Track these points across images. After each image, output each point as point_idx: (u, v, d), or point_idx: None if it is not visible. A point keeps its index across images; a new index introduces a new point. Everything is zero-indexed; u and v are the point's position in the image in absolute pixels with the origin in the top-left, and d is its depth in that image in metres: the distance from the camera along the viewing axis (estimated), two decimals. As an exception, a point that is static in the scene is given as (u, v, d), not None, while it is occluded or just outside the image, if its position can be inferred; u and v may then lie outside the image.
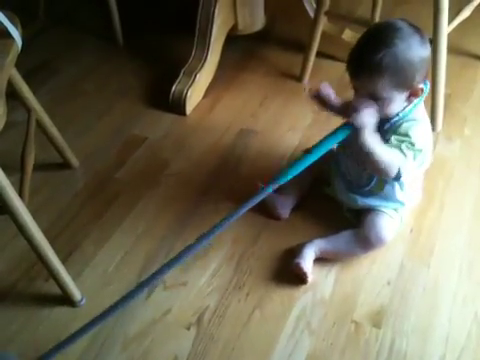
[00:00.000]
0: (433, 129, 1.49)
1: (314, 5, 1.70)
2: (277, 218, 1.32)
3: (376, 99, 1.08)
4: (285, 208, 1.32)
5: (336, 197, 1.31)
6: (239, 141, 1.56)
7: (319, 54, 1.72)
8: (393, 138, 1.12)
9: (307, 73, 1.73)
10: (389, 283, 1.19)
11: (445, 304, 1.15)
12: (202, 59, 1.66)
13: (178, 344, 1.11)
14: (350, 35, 1.77)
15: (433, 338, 1.10)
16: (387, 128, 1.14)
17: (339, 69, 1.75)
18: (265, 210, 1.32)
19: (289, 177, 1.07)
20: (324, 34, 1.69)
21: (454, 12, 1.51)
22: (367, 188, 1.23)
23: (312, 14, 1.69)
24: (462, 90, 1.45)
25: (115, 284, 1.21)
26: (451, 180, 1.40)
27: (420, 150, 1.11)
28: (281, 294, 1.19)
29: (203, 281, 1.21)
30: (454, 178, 1.41)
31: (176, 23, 1.93)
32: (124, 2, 1.88)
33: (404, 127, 1.12)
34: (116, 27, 1.89)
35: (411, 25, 1.07)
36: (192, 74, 1.65)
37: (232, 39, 1.76)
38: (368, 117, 1.05)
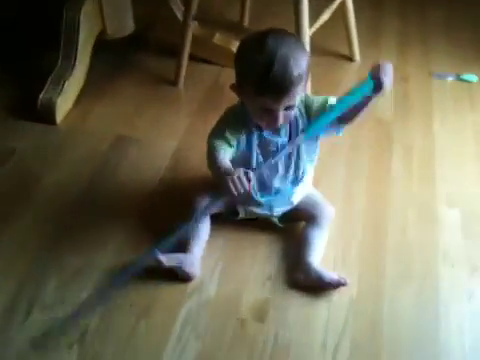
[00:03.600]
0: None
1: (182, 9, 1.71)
2: (190, 278, 1.20)
3: (290, 107, 1.09)
4: (194, 265, 1.20)
5: (259, 214, 1.29)
6: (115, 149, 1.52)
7: (193, 58, 1.73)
8: (316, 109, 1.15)
9: (181, 77, 1.73)
10: (270, 278, 1.22)
11: (323, 293, 1.19)
12: (70, 67, 1.60)
13: (60, 366, 1.05)
14: (221, 39, 1.80)
15: (314, 327, 1.14)
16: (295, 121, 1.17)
17: (213, 72, 1.78)
18: (176, 274, 1.19)
19: (315, 130, 1.12)
20: (196, 38, 1.71)
21: (315, 15, 1.59)
22: (300, 175, 1.25)
23: (181, 18, 1.70)
24: (327, 88, 1.55)
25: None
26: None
27: None
28: (166, 300, 1.17)
29: (83, 296, 1.16)
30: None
31: (42, 33, 1.83)
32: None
33: (309, 102, 1.17)
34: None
35: (285, 30, 1.11)
36: (60, 82, 1.58)
37: (103, 45, 1.71)
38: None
